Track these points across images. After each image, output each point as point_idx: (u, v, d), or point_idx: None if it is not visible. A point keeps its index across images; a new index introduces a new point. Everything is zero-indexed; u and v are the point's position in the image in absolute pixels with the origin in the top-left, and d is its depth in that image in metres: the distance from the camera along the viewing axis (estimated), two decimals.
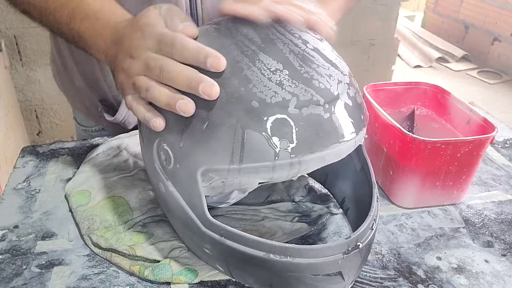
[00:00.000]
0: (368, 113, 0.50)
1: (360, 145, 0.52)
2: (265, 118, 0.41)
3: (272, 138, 0.41)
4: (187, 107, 0.42)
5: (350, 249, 0.44)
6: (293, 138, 0.41)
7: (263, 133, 0.41)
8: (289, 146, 0.41)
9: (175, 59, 0.43)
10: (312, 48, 0.45)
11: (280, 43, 0.44)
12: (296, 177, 0.45)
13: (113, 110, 0.79)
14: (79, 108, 0.87)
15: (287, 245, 0.42)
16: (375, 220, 0.48)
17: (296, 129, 0.41)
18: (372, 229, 0.47)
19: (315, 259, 0.43)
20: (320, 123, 0.42)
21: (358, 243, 0.44)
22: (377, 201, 0.49)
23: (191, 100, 0.42)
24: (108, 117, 0.78)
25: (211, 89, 0.41)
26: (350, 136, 0.44)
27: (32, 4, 0.57)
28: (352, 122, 0.44)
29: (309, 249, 0.43)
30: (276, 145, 0.41)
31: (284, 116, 0.41)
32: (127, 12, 0.54)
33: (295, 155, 0.41)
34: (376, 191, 0.50)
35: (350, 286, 0.48)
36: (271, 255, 0.43)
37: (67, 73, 0.82)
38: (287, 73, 0.42)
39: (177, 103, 0.42)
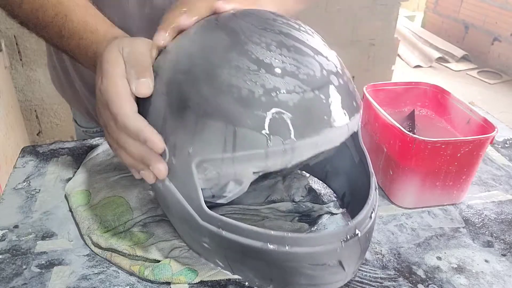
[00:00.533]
0: (361, 101, 0.50)
1: (357, 136, 0.53)
2: (256, 107, 0.41)
3: (263, 125, 0.41)
4: (148, 177, 0.46)
5: (348, 237, 0.44)
6: (285, 124, 0.41)
7: (255, 121, 0.41)
8: (281, 133, 0.41)
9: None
10: (300, 37, 0.46)
11: (269, 33, 0.44)
12: (291, 165, 0.45)
13: None
14: (80, 111, 0.87)
15: (284, 234, 0.42)
16: (373, 209, 0.48)
17: (288, 115, 0.41)
18: (371, 218, 0.47)
19: (313, 247, 0.43)
20: (311, 108, 0.42)
21: (357, 231, 0.44)
22: (375, 190, 0.49)
23: (151, 172, 0.45)
24: None
25: (159, 171, 0.45)
26: (342, 121, 0.44)
27: (27, 18, 0.58)
28: (343, 107, 0.45)
29: (307, 237, 0.43)
30: (267, 132, 0.41)
31: (275, 103, 0.41)
32: (109, 26, 0.54)
33: (288, 142, 0.42)
34: (374, 180, 0.50)
35: (351, 278, 0.48)
36: (268, 245, 0.43)
37: (68, 78, 0.81)
38: (279, 60, 0.43)
39: (140, 171, 0.47)
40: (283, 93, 0.42)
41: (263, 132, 0.41)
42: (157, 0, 0.67)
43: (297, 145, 0.42)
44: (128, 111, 0.45)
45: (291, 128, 0.42)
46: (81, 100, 0.83)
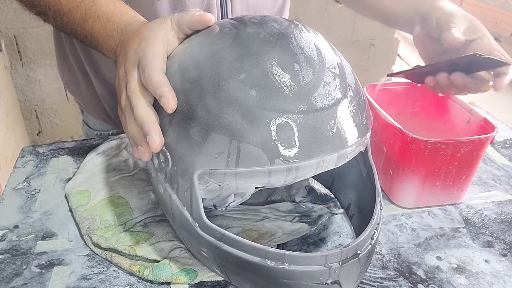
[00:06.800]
0: (372, 118, 0.49)
1: (366, 150, 0.52)
2: (262, 123, 0.40)
3: (268, 143, 0.40)
4: (143, 155, 0.46)
5: (348, 257, 0.43)
6: (290, 144, 0.41)
7: (260, 138, 0.40)
8: (285, 152, 0.41)
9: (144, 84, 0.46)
10: (315, 50, 0.45)
11: (283, 45, 0.43)
12: (294, 182, 0.44)
13: None
14: (97, 112, 0.86)
15: (283, 251, 0.41)
16: (376, 229, 0.46)
17: (294, 134, 0.41)
18: (373, 239, 0.46)
19: (311, 267, 0.41)
20: (319, 128, 0.41)
21: (358, 252, 0.43)
22: (380, 209, 0.48)
23: (149, 150, 0.45)
24: None
25: (152, 144, 0.44)
26: (350, 142, 0.43)
27: (47, 6, 0.59)
28: (353, 128, 0.44)
29: (306, 256, 0.42)
30: (272, 150, 0.40)
31: (282, 121, 0.41)
32: (138, 14, 0.55)
33: (292, 161, 0.41)
34: (380, 199, 0.48)
35: None
36: (267, 261, 0.42)
37: (86, 80, 0.81)
38: (288, 76, 0.42)
39: (138, 146, 0.46)
40: (291, 111, 0.41)
41: (267, 150, 0.40)
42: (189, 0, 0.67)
43: (302, 164, 0.41)
44: (157, 67, 0.45)
45: (296, 148, 0.41)
46: (98, 101, 0.82)
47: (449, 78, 0.60)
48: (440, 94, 0.68)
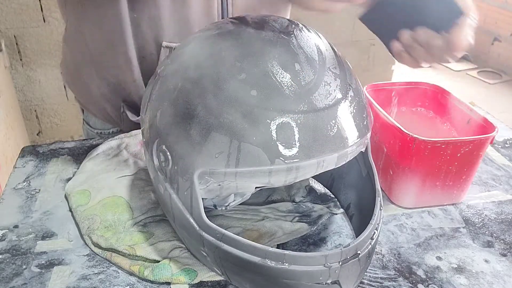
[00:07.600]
0: (372, 118, 0.49)
1: (366, 150, 0.52)
2: (262, 123, 0.40)
3: (268, 143, 0.40)
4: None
5: (348, 257, 0.43)
6: (291, 143, 0.41)
7: (260, 138, 0.40)
8: (286, 152, 0.41)
9: None
10: (316, 50, 0.45)
11: (283, 45, 0.43)
12: (295, 182, 0.44)
13: (136, 110, 0.79)
14: (96, 112, 0.85)
15: (283, 251, 0.42)
16: (376, 229, 0.47)
17: (295, 134, 0.41)
18: (373, 239, 0.46)
19: (312, 266, 0.42)
20: (319, 128, 0.41)
21: (358, 252, 0.43)
22: (380, 209, 0.48)
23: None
24: (132, 117, 0.78)
25: None
26: (350, 142, 0.43)
27: None
28: (353, 129, 0.44)
29: (306, 256, 0.42)
30: (272, 150, 0.40)
31: (282, 120, 0.41)
32: None
33: (292, 161, 0.41)
34: (380, 200, 0.49)
35: None
36: (267, 261, 0.42)
37: (85, 79, 0.80)
38: (289, 76, 0.42)
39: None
40: (292, 111, 0.41)
41: (268, 149, 0.40)
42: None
43: (302, 164, 0.41)
44: None
45: (297, 148, 0.41)
46: (99, 100, 0.82)
47: (413, 36, 0.54)
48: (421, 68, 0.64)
